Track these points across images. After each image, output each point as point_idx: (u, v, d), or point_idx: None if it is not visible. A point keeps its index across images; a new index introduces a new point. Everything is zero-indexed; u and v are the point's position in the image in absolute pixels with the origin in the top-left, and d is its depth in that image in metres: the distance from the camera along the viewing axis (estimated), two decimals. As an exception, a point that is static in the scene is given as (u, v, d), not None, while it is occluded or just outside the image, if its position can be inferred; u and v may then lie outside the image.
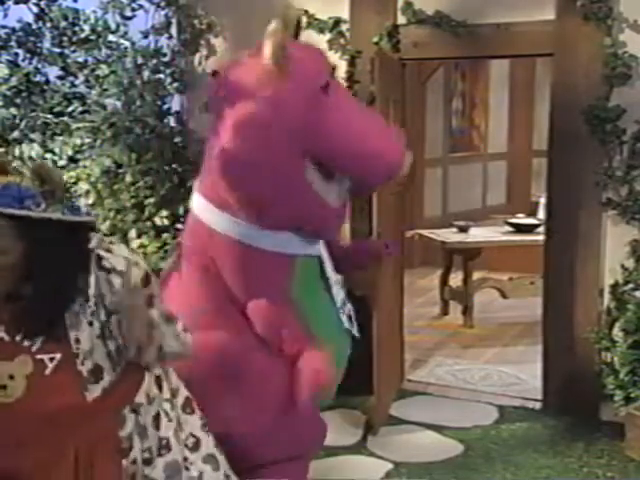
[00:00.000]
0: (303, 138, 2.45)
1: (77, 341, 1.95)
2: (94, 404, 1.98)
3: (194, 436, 2.28)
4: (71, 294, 1.95)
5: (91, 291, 1.97)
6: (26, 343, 1.92)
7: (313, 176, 2.52)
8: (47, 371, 1.93)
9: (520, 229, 6.03)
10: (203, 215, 2.62)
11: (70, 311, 1.95)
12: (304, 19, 4.03)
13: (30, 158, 4.34)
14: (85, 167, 4.42)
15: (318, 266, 2.71)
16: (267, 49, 2.46)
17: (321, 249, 2.71)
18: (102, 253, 2.01)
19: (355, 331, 2.85)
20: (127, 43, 4.74)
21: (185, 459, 2.23)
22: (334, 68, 2.69)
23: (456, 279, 6.10)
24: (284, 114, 2.44)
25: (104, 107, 4.65)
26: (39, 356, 1.92)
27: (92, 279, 1.98)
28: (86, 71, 4.77)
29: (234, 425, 2.54)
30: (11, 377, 1.91)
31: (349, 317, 2.82)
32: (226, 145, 2.46)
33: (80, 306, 1.96)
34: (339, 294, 2.77)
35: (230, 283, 2.60)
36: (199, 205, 2.64)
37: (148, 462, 2.12)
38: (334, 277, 2.77)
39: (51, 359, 1.93)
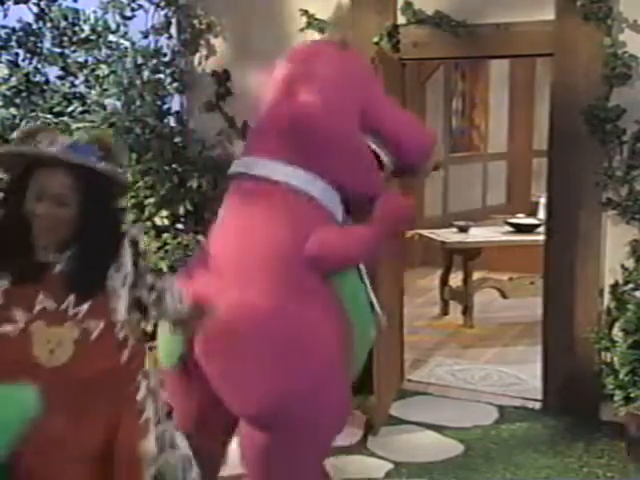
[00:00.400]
0: (360, 95, 2.79)
1: (115, 311, 2.11)
2: (125, 368, 2.15)
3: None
4: (111, 256, 2.10)
5: (127, 267, 2.12)
6: (72, 311, 2.05)
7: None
8: (92, 337, 2.07)
9: (520, 229, 6.03)
10: (268, 173, 2.69)
11: (109, 281, 2.09)
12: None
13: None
14: (85, 167, 4.41)
15: (358, 276, 2.82)
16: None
17: None
18: (138, 237, 2.18)
19: (380, 311, 2.88)
20: (127, 43, 4.74)
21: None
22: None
23: (456, 279, 6.10)
24: (348, 74, 2.81)
25: (104, 107, 4.66)
26: (84, 324, 2.06)
27: (127, 256, 2.13)
28: (86, 71, 4.77)
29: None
30: (60, 343, 2.04)
31: (377, 302, 2.90)
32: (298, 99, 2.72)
33: (117, 278, 2.11)
34: (366, 278, 2.84)
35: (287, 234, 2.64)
36: (250, 163, 2.75)
37: (157, 423, 2.26)
38: (370, 287, 2.87)
39: (95, 326, 2.07)
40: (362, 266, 2.84)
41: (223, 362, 2.55)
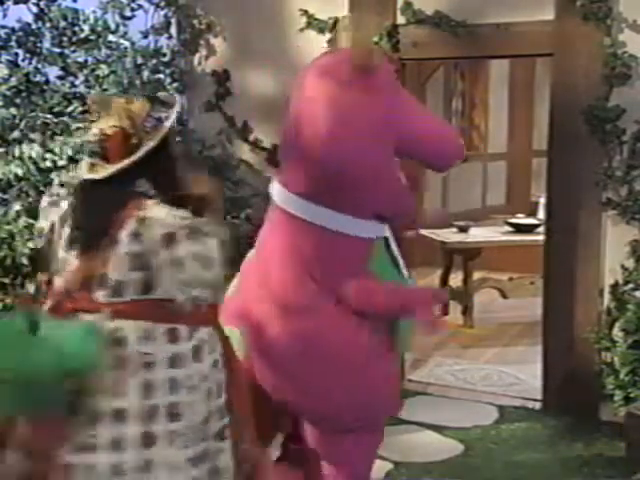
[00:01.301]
0: (392, 128, 2.65)
1: None
2: None
3: None
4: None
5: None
6: None
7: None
8: None
9: (520, 229, 6.03)
10: (289, 207, 2.73)
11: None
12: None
13: (30, 158, 4.34)
14: (85, 167, 4.41)
15: (385, 245, 2.88)
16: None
17: (386, 228, 2.88)
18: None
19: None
20: (127, 43, 4.74)
21: None
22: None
23: (456, 279, 6.09)
24: (378, 110, 2.64)
25: (104, 107, 4.64)
26: None
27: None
28: (86, 71, 4.76)
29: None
30: None
31: (407, 272, 3.01)
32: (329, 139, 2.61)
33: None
34: (404, 269, 2.94)
35: (317, 269, 2.73)
36: (285, 197, 2.74)
37: None
38: (399, 253, 2.94)
39: None
40: (401, 260, 2.95)
41: (304, 380, 2.74)
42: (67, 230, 2.35)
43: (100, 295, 2.23)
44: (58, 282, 2.32)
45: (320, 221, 2.68)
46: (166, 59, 4.82)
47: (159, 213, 2.24)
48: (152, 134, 2.31)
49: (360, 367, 2.76)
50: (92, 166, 2.31)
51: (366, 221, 2.73)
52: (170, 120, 2.34)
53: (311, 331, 2.73)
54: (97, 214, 2.30)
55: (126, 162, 2.27)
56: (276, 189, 2.79)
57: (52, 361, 2.03)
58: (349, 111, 2.60)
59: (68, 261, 2.31)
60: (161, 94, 2.53)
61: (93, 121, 2.37)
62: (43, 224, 2.45)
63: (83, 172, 2.34)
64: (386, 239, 2.88)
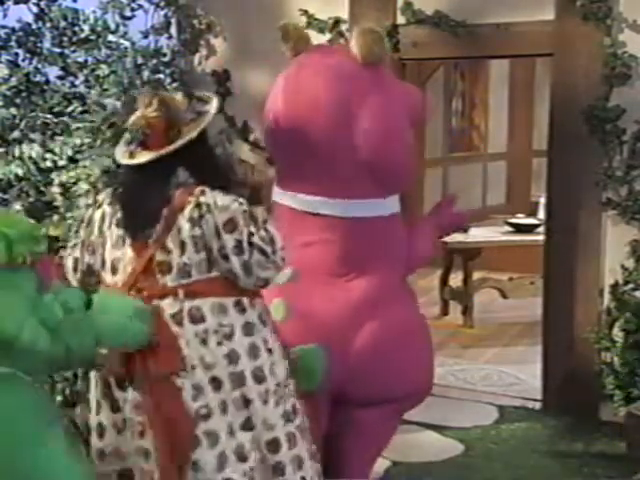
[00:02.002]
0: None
1: None
2: None
3: None
4: None
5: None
6: None
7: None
8: None
9: (520, 229, 6.03)
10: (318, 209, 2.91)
11: None
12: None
13: (30, 158, 4.34)
14: (85, 167, 4.41)
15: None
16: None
17: None
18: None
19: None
20: (127, 43, 4.73)
21: None
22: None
23: (456, 279, 6.09)
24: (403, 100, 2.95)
25: (104, 107, 4.65)
26: None
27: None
28: (86, 71, 4.76)
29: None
30: None
31: None
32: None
33: None
34: None
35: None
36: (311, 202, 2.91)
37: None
38: None
39: None
40: None
41: (384, 361, 2.94)
42: (115, 230, 2.44)
43: (168, 279, 2.36)
44: (116, 279, 2.43)
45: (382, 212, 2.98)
46: (166, 59, 4.82)
47: (218, 199, 2.36)
48: (191, 125, 2.42)
49: (424, 341, 3.10)
50: (131, 154, 2.42)
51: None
52: (210, 113, 2.46)
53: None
54: (147, 200, 2.39)
55: (170, 148, 2.37)
56: (329, 203, 2.90)
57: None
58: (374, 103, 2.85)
59: (121, 258, 2.41)
60: (198, 92, 2.62)
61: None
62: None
63: (122, 159, 2.45)
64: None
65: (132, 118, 2.45)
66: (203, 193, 2.36)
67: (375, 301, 2.93)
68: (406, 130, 2.97)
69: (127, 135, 2.46)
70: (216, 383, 2.35)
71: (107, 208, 2.49)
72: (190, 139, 2.39)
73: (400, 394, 3.02)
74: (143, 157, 2.40)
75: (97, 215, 2.51)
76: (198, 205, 2.35)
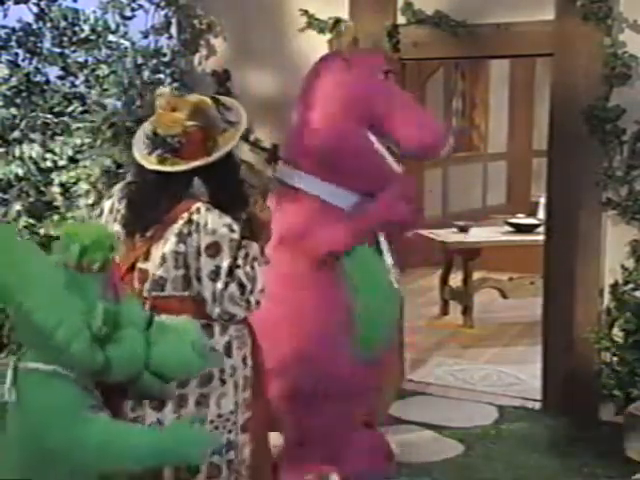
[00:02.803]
0: (363, 107, 3.10)
1: None
2: None
3: None
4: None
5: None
6: None
7: (374, 140, 3.12)
8: None
9: (520, 229, 6.03)
10: (292, 181, 3.16)
11: None
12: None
13: (30, 158, 4.34)
14: (85, 167, 4.41)
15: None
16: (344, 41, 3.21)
17: None
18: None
19: (401, 291, 3.29)
20: (127, 43, 4.74)
21: None
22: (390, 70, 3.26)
23: (456, 279, 6.10)
24: (349, 90, 3.12)
25: (104, 107, 4.65)
26: None
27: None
28: (86, 71, 4.77)
29: None
30: None
31: (397, 280, 3.23)
32: (311, 119, 3.12)
33: None
34: (389, 258, 3.20)
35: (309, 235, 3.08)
36: (289, 174, 3.17)
37: None
38: (385, 243, 3.20)
39: None
40: (385, 248, 3.19)
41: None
42: (115, 225, 2.43)
43: (144, 288, 2.34)
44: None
45: (316, 191, 3.10)
46: (166, 59, 4.82)
47: (209, 220, 2.31)
48: (225, 135, 2.37)
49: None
50: (163, 160, 2.35)
51: (354, 198, 3.11)
52: (243, 123, 2.42)
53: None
54: (154, 204, 2.36)
55: (210, 159, 2.33)
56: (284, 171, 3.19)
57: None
58: (324, 101, 3.11)
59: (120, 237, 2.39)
60: (222, 97, 2.56)
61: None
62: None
63: (148, 164, 2.37)
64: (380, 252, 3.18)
65: (162, 120, 2.37)
66: (198, 211, 2.32)
67: None
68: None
69: (153, 137, 2.38)
70: (158, 402, 2.32)
71: (115, 201, 2.47)
72: (228, 150, 2.36)
73: None
74: (177, 166, 2.34)
75: (107, 206, 2.50)
76: (189, 222, 2.32)
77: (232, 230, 2.33)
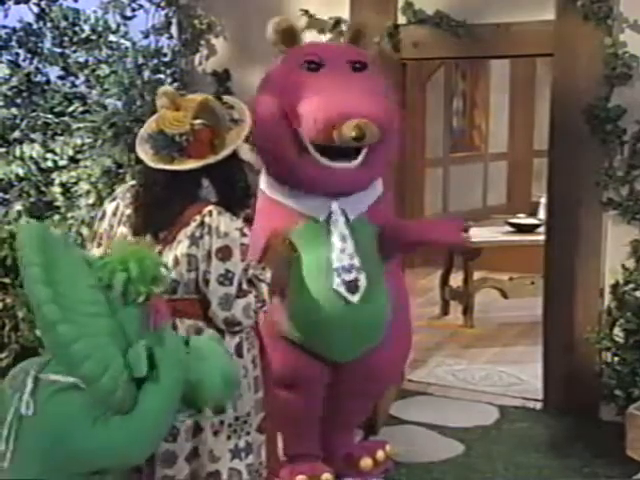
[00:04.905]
0: (283, 103, 2.94)
1: None
2: None
3: None
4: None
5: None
6: None
7: (305, 139, 2.91)
8: None
9: (521, 229, 6.02)
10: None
11: None
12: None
13: (31, 158, 4.34)
14: (86, 167, 4.42)
15: (324, 229, 3.01)
16: (268, 35, 3.16)
17: (335, 215, 3.02)
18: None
19: (351, 298, 2.99)
20: (128, 43, 4.74)
21: None
22: (359, 62, 3.08)
23: (456, 279, 6.09)
24: (271, 86, 3.05)
25: (105, 107, 4.66)
26: None
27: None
28: (87, 71, 4.78)
29: None
30: None
31: (346, 283, 2.98)
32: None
33: None
34: (341, 260, 2.99)
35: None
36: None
37: None
38: (340, 245, 3.01)
39: None
40: (336, 251, 3.03)
41: None
42: (122, 228, 2.42)
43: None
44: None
45: (265, 189, 3.07)
46: (167, 59, 4.82)
47: (221, 222, 2.31)
48: (232, 133, 2.38)
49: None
50: (170, 159, 2.34)
51: (297, 195, 2.98)
52: (247, 122, 2.43)
53: None
54: (165, 206, 2.34)
55: (219, 157, 2.33)
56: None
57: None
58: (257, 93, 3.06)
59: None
60: (224, 96, 2.58)
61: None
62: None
63: (156, 163, 2.36)
64: (327, 224, 3.01)
65: (166, 119, 2.36)
66: (210, 214, 2.32)
67: None
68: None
69: (158, 137, 2.37)
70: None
71: (121, 204, 2.45)
72: (235, 148, 2.36)
73: None
74: (185, 165, 2.32)
75: (110, 209, 2.47)
76: (202, 224, 2.31)
77: (243, 234, 2.33)
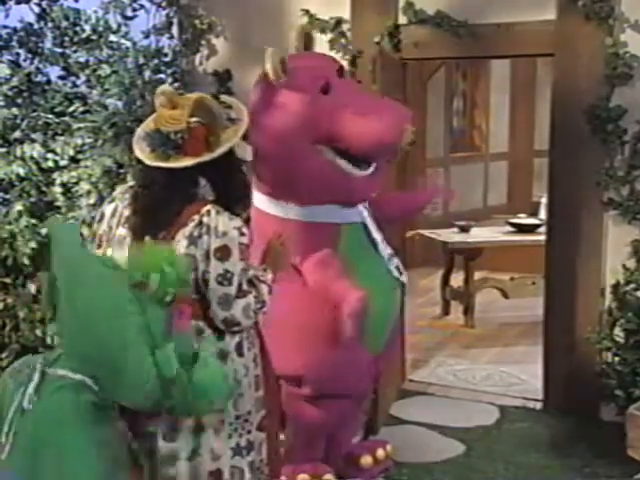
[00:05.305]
0: (308, 127, 2.93)
1: None
2: None
3: None
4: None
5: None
6: None
7: (330, 154, 2.97)
8: None
9: (521, 229, 6.03)
10: (261, 206, 3.06)
11: None
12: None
13: (31, 158, 4.34)
14: (86, 167, 4.41)
15: (363, 230, 3.18)
16: (269, 69, 2.91)
17: (364, 216, 3.18)
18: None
19: (403, 278, 3.27)
20: (128, 43, 4.74)
21: None
22: (341, 68, 3.14)
23: (457, 279, 6.09)
24: (286, 115, 2.95)
25: (105, 107, 4.65)
26: None
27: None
28: (87, 71, 4.77)
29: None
30: None
31: (397, 268, 3.25)
32: (255, 145, 2.97)
33: None
34: (385, 250, 3.22)
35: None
36: (257, 199, 3.02)
37: None
38: (379, 237, 3.22)
39: None
40: (381, 243, 3.20)
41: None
42: (120, 229, 2.41)
43: None
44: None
45: (281, 214, 3.06)
46: (167, 59, 4.82)
47: (219, 222, 2.30)
48: (228, 131, 2.36)
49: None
50: (166, 156, 2.33)
51: (323, 209, 3.04)
52: (245, 121, 2.41)
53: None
54: (163, 206, 2.34)
55: (214, 154, 2.32)
56: (255, 195, 3.01)
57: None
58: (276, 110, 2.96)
59: (121, 259, 2.35)
60: (222, 96, 2.56)
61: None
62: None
63: (151, 161, 2.35)
64: (365, 225, 3.17)
65: (162, 117, 2.36)
66: (208, 213, 2.31)
67: None
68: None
69: (154, 135, 2.37)
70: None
71: (120, 205, 2.44)
72: (231, 146, 2.35)
73: None
74: (181, 162, 2.32)
75: (108, 210, 2.47)
76: (200, 224, 2.30)
77: (242, 234, 2.32)
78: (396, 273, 3.23)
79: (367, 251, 3.18)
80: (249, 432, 2.45)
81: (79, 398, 1.96)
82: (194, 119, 2.32)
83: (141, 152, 2.38)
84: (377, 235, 3.21)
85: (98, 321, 1.97)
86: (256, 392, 2.49)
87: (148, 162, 2.35)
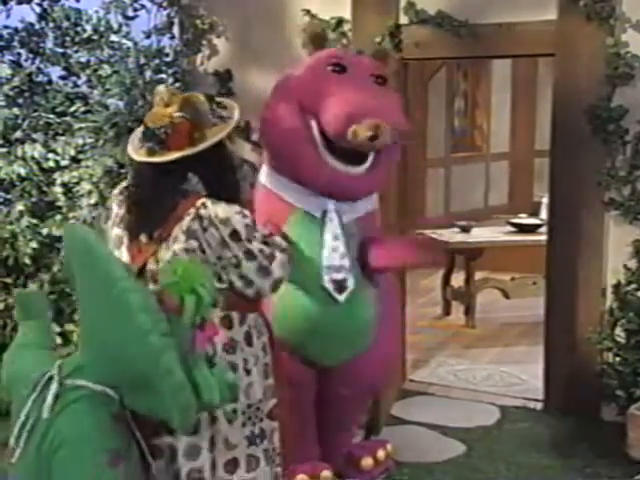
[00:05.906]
0: (304, 99, 2.98)
1: None
2: None
3: None
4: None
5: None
6: None
7: (318, 139, 2.96)
8: None
9: (522, 229, 6.02)
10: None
11: None
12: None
13: (33, 158, 4.34)
14: (87, 167, 4.41)
15: (317, 226, 3.00)
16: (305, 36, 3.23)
17: (331, 214, 3.02)
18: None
19: (337, 296, 2.99)
20: (129, 43, 4.74)
21: None
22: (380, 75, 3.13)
23: (458, 279, 6.09)
24: (293, 84, 3.08)
25: (106, 107, 4.65)
26: None
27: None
28: (88, 71, 4.77)
29: None
30: None
31: (334, 281, 2.99)
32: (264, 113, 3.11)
33: None
34: (332, 259, 2.99)
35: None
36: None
37: None
38: (332, 243, 3.01)
39: None
40: (328, 249, 3.03)
41: None
42: (115, 229, 2.43)
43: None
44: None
45: (265, 181, 3.08)
46: (169, 59, 4.82)
47: (218, 211, 2.32)
48: (214, 130, 2.37)
49: None
50: (152, 152, 2.36)
51: (294, 187, 2.99)
52: (234, 119, 2.43)
53: None
54: (156, 203, 2.35)
55: (196, 149, 2.32)
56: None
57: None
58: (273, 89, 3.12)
59: (122, 240, 2.38)
60: (219, 98, 2.59)
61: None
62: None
63: (137, 156, 2.39)
64: (322, 221, 3.00)
65: (152, 115, 2.40)
66: (204, 206, 2.32)
67: None
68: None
69: (143, 131, 2.40)
70: None
71: (115, 206, 2.46)
72: (214, 143, 2.36)
73: None
74: (165, 156, 2.33)
75: (114, 210, 2.49)
76: (197, 217, 2.30)
77: (245, 215, 2.35)
78: (331, 287, 2.98)
79: (310, 247, 2.98)
80: (261, 420, 2.48)
81: (98, 409, 1.93)
82: (178, 114, 2.34)
83: (132, 149, 2.43)
84: (330, 239, 3.00)
85: (127, 347, 1.89)
86: (266, 380, 2.51)
87: (135, 157, 2.40)
